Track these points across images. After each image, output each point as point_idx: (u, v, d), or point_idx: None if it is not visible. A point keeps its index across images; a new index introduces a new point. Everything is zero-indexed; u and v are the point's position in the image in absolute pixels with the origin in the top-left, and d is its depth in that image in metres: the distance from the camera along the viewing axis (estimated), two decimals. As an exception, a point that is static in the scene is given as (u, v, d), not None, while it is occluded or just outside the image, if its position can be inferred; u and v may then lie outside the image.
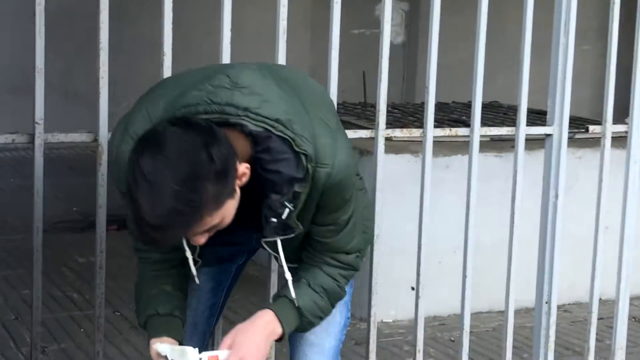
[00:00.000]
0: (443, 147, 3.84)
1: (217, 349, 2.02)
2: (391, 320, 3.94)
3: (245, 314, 2.06)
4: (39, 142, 2.31)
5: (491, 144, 3.95)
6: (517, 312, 3.09)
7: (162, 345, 1.94)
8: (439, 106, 4.61)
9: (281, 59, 2.49)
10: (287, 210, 1.90)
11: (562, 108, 2.91)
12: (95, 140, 2.36)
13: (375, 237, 2.59)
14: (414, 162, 3.82)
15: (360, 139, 2.75)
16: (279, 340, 2.02)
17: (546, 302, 2.97)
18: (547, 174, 2.95)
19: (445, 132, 2.90)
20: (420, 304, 2.76)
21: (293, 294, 2.00)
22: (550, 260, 2.96)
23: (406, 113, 4.77)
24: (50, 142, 2.36)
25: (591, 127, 3.22)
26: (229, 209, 1.81)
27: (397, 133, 2.80)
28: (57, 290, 4.17)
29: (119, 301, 3.85)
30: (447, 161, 3.90)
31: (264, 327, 1.96)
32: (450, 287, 3.57)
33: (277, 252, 1.96)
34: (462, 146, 3.92)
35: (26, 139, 2.34)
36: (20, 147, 5.39)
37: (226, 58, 2.46)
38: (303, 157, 1.87)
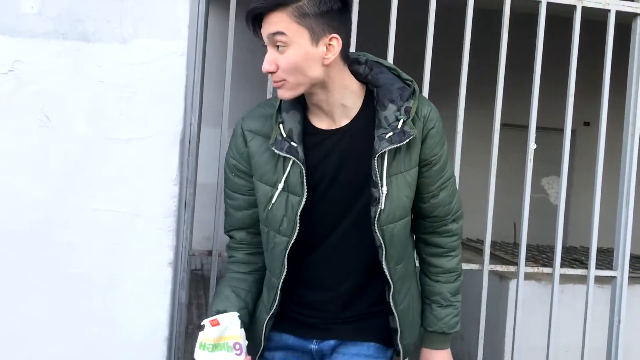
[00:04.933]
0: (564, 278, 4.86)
1: None
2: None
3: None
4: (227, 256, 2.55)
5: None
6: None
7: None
8: (567, 249, 5.87)
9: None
10: (401, 121, 2.03)
11: (624, 258, 3.63)
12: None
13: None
14: (537, 287, 5.13)
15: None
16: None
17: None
18: (612, 304, 3.57)
19: (534, 269, 3.67)
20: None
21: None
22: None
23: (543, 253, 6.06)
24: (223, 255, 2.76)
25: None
26: (300, 43, 1.94)
27: (498, 268, 3.45)
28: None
29: None
30: (562, 288, 5.02)
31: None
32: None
33: (382, 169, 2.03)
34: (580, 278, 5.07)
35: (206, 254, 2.99)
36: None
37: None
38: (408, 86, 2.07)
